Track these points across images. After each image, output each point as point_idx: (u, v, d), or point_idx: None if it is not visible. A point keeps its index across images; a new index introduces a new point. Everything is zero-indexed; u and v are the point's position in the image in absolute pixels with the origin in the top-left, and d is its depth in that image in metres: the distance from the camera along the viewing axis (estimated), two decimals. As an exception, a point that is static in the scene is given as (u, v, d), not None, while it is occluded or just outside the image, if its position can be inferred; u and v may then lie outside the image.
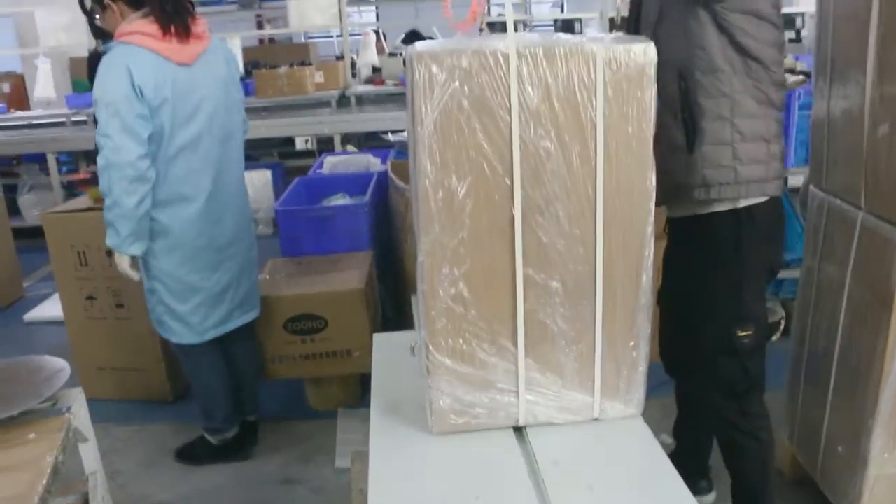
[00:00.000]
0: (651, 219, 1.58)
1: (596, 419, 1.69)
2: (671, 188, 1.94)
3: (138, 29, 2.52)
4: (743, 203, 1.94)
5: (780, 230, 2.13)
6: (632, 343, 1.65)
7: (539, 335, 1.61)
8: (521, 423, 1.67)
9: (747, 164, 1.92)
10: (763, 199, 1.96)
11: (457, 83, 1.45)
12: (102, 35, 2.75)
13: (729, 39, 1.88)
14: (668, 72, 1.76)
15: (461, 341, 1.59)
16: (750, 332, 1.99)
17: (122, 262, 2.64)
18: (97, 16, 2.66)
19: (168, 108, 2.54)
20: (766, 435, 2.16)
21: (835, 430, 2.26)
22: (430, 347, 1.59)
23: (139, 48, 2.50)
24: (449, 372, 1.60)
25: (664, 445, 1.72)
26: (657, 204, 1.95)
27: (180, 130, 2.59)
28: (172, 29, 2.54)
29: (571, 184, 1.52)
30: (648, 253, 1.60)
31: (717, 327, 2.02)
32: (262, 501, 2.85)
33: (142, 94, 2.47)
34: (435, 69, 1.44)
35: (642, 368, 1.68)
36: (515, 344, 1.60)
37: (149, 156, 2.51)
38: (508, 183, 1.51)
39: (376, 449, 1.65)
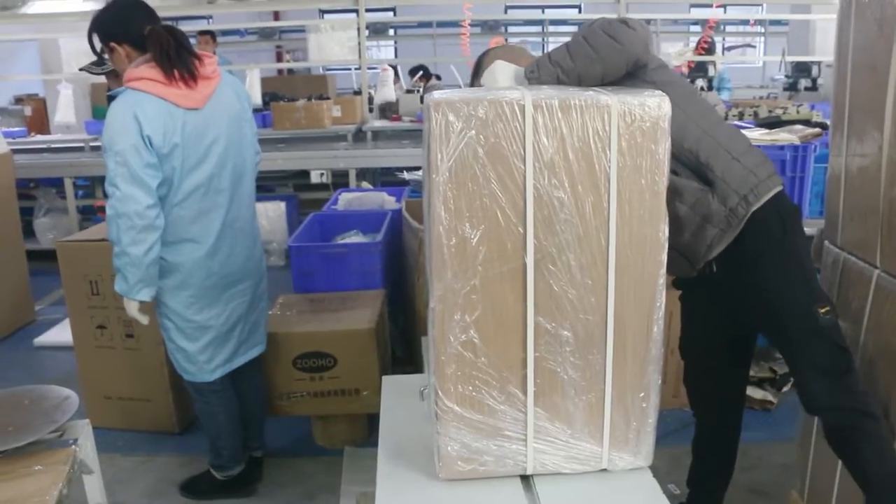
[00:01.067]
0: (663, 270, 1.59)
1: (604, 470, 1.68)
2: (720, 224, 1.98)
3: (145, 75, 2.48)
4: (772, 193, 2.00)
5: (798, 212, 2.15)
6: (642, 394, 1.64)
7: (549, 384, 1.60)
8: (528, 472, 1.66)
9: (755, 166, 1.99)
10: (780, 187, 2.03)
11: (473, 132, 1.46)
12: (113, 79, 2.73)
13: (672, 90, 1.95)
14: None
15: (470, 388, 1.58)
16: (828, 308, 1.99)
17: (131, 308, 2.63)
18: (106, 56, 2.65)
19: (178, 153, 2.51)
20: (877, 410, 2.04)
21: (847, 488, 2.21)
22: (439, 393, 1.58)
23: (147, 95, 2.46)
24: (457, 418, 1.59)
25: (671, 496, 1.70)
26: (716, 252, 1.96)
27: (191, 174, 2.56)
28: (176, 74, 2.50)
29: (584, 234, 1.53)
30: (660, 304, 1.60)
31: (801, 313, 2.00)
32: (265, 538, 2.83)
33: (150, 143, 2.43)
34: (451, 117, 1.45)
35: (652, 420, 1.67)
36: (525, 392, 1.60)
37: (157, 205, 2.49)
38: (521, 231, 1.51)
39: (382, 492, 1.64)
